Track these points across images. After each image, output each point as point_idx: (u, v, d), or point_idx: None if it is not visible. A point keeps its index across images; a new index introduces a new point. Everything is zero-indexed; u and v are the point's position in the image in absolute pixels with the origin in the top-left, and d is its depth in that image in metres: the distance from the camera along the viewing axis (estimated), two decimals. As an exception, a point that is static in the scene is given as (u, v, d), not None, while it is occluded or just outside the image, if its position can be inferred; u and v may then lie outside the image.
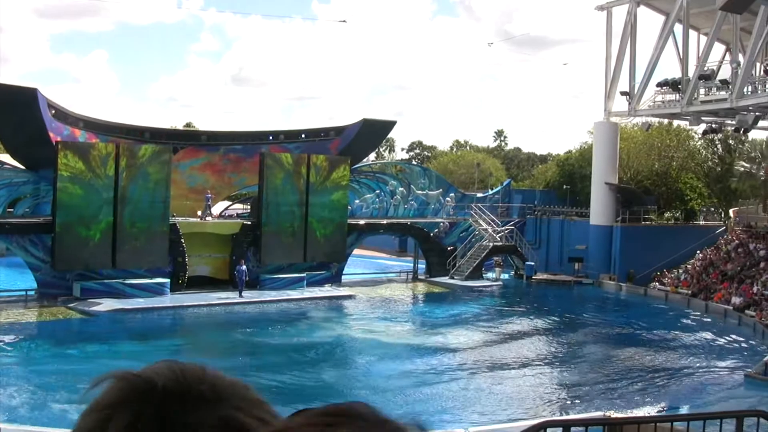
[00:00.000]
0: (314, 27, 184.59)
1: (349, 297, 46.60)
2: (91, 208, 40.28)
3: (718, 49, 53.21)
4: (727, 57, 51.96)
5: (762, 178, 63.96)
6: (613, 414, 22.30)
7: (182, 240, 43.59)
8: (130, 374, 1.18)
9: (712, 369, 33.08)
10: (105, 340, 33.71)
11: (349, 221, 49.63)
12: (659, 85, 52.21)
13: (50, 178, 40.09)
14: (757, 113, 46.34)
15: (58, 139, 40.55)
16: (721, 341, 38.55)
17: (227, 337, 36.70)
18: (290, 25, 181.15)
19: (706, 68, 48.88)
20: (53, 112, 41.41)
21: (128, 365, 1.29)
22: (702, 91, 49.52)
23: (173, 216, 43.89)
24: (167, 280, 42.51)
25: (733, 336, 39.82)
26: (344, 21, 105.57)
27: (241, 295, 43.10)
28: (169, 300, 41.73)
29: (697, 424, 10.09)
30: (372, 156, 69.04)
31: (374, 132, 52.32)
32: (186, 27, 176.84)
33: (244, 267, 43.23)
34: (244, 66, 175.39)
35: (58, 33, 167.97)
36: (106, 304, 39.09)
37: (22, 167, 41.45)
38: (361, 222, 51.43)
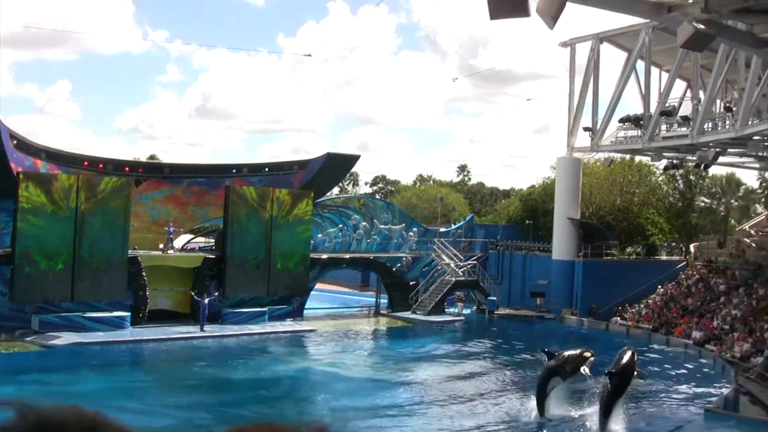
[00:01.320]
0: (280, 60, 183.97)
1: (311, 331, 46.31)
2: (51, 239, 39.86)
3: (680, 85, 53.78)
4: (688, 93, 52.52)
5: (722, 213, 64.67)
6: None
7: (143, 273, 43.23)
8: None
9: (672, 403, 33.09)
10: (63, 374, 33.21)
11: (312, 255, 49.52)
12: (621, 120, 52.63)
13: (10, 209, 39.67)
14: (717, 149, 46.77)
15: (20, 169, 40.20)
16: (682, 376, 38.66)
17: (188, 371, 36.30)
18: (256, 58, 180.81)
19: (667, 104, 49.36)
20: (15, 142, 41.05)
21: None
22: (663, 127, 49.99)
23: (134, 249, 43.56)
24: (128, 314, 42.07)
25: (694, 370, 40.03)
26: (309, 55, 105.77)
27: (202, 330, 42.75)
28: (129, 333, 41.22)
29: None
30: (335, 190, 69.06)
31: (338, 166, 52.35)
32: (151, 58, 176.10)
33: (206, 301, 42.92)
34: (209, 98, 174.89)
35: (21, 62, 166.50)
36: (65, 338, 38.60)
37: (-18, 198, 40.99)
38: (324, 256, 51.29)
